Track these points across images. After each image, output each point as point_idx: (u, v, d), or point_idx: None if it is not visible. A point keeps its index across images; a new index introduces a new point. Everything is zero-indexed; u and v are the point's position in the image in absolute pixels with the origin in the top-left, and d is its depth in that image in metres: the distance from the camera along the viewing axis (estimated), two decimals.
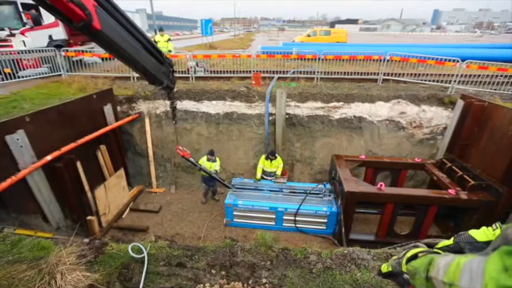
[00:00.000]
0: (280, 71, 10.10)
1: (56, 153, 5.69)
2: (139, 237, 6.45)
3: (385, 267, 1.12)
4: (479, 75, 8.13)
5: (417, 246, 2.50)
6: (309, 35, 21.35)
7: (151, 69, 3.72)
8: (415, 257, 0.96)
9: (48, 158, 5.49)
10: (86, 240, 2.85)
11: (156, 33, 10.60)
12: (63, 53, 9.26)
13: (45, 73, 9.12)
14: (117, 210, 7.12)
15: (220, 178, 7.08)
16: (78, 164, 6.28)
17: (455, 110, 7.31)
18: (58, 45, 9.97)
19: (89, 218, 6.14)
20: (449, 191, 5.72)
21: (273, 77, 9.50)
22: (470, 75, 8.20)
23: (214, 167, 7.02)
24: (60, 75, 9.36)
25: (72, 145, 6.13)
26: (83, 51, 10.43)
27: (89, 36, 2.57)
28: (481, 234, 1.10)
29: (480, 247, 1.06)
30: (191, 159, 6.52)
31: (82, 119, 6.76)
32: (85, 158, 6.64)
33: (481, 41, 31.50)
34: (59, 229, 5.89)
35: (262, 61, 10.66)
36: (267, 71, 10.06)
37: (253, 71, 9.55)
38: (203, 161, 6.98)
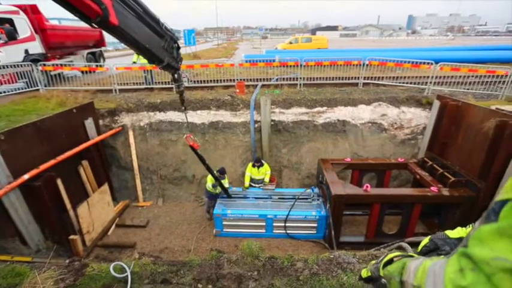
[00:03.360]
0: (263, 79, 10.21)
1: (34, 172, 5.46)
2: (126, 254, 6.23)
3: (364, 273, 1.15)
4: (452, 77, 8.54)
5: (401, 246, 2.55)
6: (291, 42, 21.80)
7: (146, 44, 3.00)
8: (391, 261, 0.98)
9: (26, 177, 5.26)
10: (66, 262, 2.72)
11: None
12: (40, 68, 9.01)
13: (22, 88, 8.84)
14: (102, 228, 6.87)
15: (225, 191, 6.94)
16: (59, 182, 6.04)
17: (432, 110, 7.60)
18: (35, 59, 9.70)
19: (71, 237, 5.88)
20: (432, 188, 5.89)
21: (256, 85, 9.59)
22: (444, 77, 8.59)
23: (224, 184, 6.84)
24: (37, 90, 9.08)
25: (51, 162, 5.90)
26: (61, 64, 10.19)
27: (107, 31, 2.40)
28: (454, 232, 1.18)
29: (452, 243, 1.13)
30: (199, 152, 6.01)
31: (62, 134, 6.55)
32: (66, 174, 6.40)
33: (453, 44, 33.15)
34: (39, 251, 5.60)
35: (245, 69, 10.76)
36: (250, 79, 10.15)
37: (237, 80, 9.61)
38: (212, 181, 6.66)
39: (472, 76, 8.33)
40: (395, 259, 0.95)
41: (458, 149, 6.47)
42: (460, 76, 8.47)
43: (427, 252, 1.15)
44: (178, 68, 3.94)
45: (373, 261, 1.11)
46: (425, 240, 1.19)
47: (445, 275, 0.54)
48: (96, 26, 2.26)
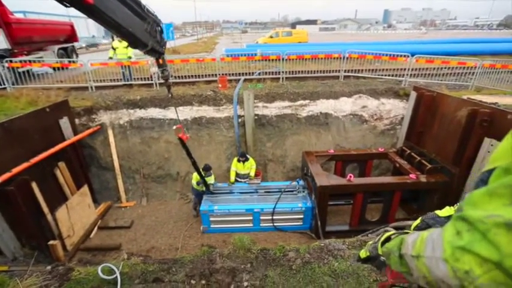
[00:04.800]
0: (246, 73, 10.15)
1: (6, 176, 5.12)
2: (111, 256, 6.04)
3: (363, 253, 1.19)
4: (427, 68, 8.93)
5: (387, 231, 2.67)
6: (271, 36, 21.76)
7: (129, 27, 2.88)
8: (388, 239, 1.03)
9: None
10: (49, 267, 2.60)
11: (113, 39, 10.04)
12: (6, 64, 8.40)
13: None
14: (83, 231, 6.60)
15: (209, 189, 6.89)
16: (34, 185, 5.71)
17: (409, 101, 7.92)
18: (0, 55, 9.03)
19: (50, 242, 5.60)
20: (411, 175, 6.18)
21: (239, 79, 9.52)
22: (420, 69, 8.96)
23: (209, 180, 6.83)
24: (4, 88, 8.48)
25: (24, 165, 5.56)
26: (30, 61, 9.55)
27: (83, 12, 2.24)
28: (443, 211, 1.27)
29: (442, 221, 1.21)
30: (187, 146, 5.80)
31: (34, 135, 6.17)
32: (42, 177, 6.06)
33: (427, 37, 34.58)
34: (16, 260, 5.30)
35: (227, 64, 10.62)
36: (232, 74, 10.05)
37: (219, 74, 9.48)
38: (197, 178, 6.59)
39: (445, 68, 8.76)
40: (392, 237, 0.99)
41: (434, 138, 6.81)
42: (434, 68, 8.89)
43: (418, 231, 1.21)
44: (163, 52, 3.86)
45: (371, 242, 1.15)
46: (416, 221, 1.26)
47: (443, 239, 0.58)
48: (68, 5, 2.11)
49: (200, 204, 6.90)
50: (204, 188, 6.78)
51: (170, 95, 5.10)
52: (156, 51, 3.63)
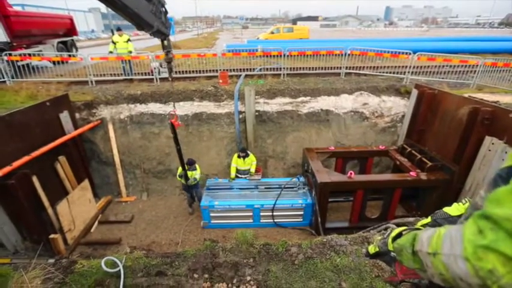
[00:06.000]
0: (247, 69, 10.11)
1: (7, 169, 5.11)
2: (112, 250, 6.07)
3: (372, 249, 1.19)
4: (428, 66, 8.90)
5: (388, 227, 2.67)
6: (272, 32, 21.62)
7: (135, 8, 2.87)
8: (399, 235, 1.02)
9: None
10: (52, 260, 2.61)
11: (113, 34, 9.97)
12: (5, 58, 8.34)
13: None
14: (84, 225, 6.62)
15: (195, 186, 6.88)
16: (35, 179, 5.71)
17: (410, 98, 7.91)
18: None
19: (52, 236, 5.63)
20: (411, 173, 6.20)
21: (240, 75, 9.48)
22: (421, 67, 8.94)
23: (194, 175, 6.73)
24: (4, 82, 8.43)
25: (25, 159, 5.55)
26: (29, 54, 9.48)
27: None
28: (453, 209, 1.23)
29: (454, 221, 1.18)
30: (176, 132, 5.69)
31: (35, 129, 6.15)
32: (42, 171, 6.05)
33: (428, 35, 34.43)
34: (17, 253, 5.33)
35: (228, 59, 10.57)
36: (233, 69, 10.00)
37: (220, 70, 9.44)
38: (181, 171, 6.56)
39: (447, 66, 8.74)
40: (404, 233, 0.98)
41: (435, 136, 6.81)
42: (436, 66, 8.87)
43: None
44: (168, 33, 3.88)
45: (379, 237, 1.15)
46: (426, 220, 1.24)
47: (464, 237, 0.56)
48: None
49: (192, 199, 6.95)
50: (190, 182, 6.67)
51: (171, 79, 5.21)
52: (161, 32, 3.59)
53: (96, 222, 6.97)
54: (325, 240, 2.55)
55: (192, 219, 7.11)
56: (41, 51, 11.07)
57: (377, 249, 1.13)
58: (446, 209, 1.22)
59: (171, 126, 5.53)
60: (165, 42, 4.17)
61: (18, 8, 14.65)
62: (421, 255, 0.74)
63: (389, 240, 1.03)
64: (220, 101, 8.38)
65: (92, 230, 6.77)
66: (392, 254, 1.01)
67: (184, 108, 8.29)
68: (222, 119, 8.41)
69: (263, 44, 15.05)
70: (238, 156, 7.26)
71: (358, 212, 6.47)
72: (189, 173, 6.63)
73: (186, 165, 6.49)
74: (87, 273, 2.28)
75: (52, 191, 6.19)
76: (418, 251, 0.76)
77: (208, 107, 8.37)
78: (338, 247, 2.44)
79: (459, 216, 1.16)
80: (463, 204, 1.18)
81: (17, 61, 8.81)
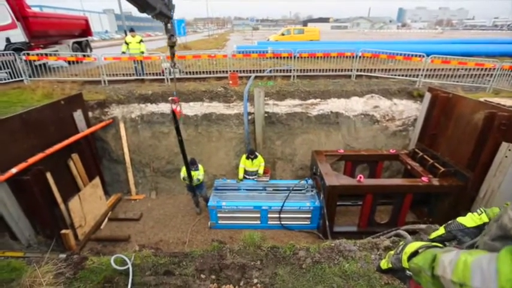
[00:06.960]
0: (256, 70, 10.12)
1: (23, 165, 5.28)
2: (121, 247, 6.17)
3: (384, 264, 1.12)
4: (442, 69, 8.69)
5: (399, 234, 2.60)
6: (283, 34, 21.58)
7: None
8: (415, 253, 0.95)
9: (14, 171, 5.08)
10: (63, 256, 2.67)
11: (126, 35, 10.16)
12: (23, 57, 8.62)
13: (4, 79, 8.47)
14: (94, 221, 6.76)
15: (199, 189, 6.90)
16: (48, 175, 5.87)
17: (423, 102, 7.74)
18: (17, 48, 9.26)
19: (63, 231, 5.76)
20: (423, 178, 6.05)
21: (249, 77, 9.49)
22: (434, 69, 8.73)
23: (196, 175, 6.68)
24: (21, 80, 8.72)
25: (40, 155, 5.72)
26: (46, 54, 9.77)
27: None
28: (469, 220, 1.17)
29: (471, 232, 1.13)
30: (178, 121, 5.56)
31: (50, 127, 6.33)
32: (56, 168, 6.22)
33: (442, 37, 33.65)
34: (30, 247, 5.48)
35: (238, 61, 10.61)
36: (243, 71, 10.03)
37: (230, 71, 9.48)
38: (184, 172, 6.51)
39: (462, 69, 8.51)
40: (420, 251, 0.92)
41: (448, 140, 6.64)
42: (450, 69, 8.64)
43: (441, 242, 1.15)
44: (171, 16, 3.83)
45: (392, 252, 1.09)
46: (439, 231, 1.19)
47: (500, 274, 0.52)
48: None
49: (197, 199, 6.99)
50: (193, 183, 6.63)
51: (173, 64, 5.16)
52: (165, 14, 3.54)
53: (106, 219, 7.11)
54: (333, 244, 2.52)
55: (199, 219, 7.15)
56: (57, 51, 11.40)
57: (390, 265, 1.07)
58: (460, 220, 1.16)
59: (173, 114, 5.37)
60: (169, 25, 4.07)
61: (36, 9, 15.16)
62: (443, 281, 0.69)
63: (404, 256, 0.96)
64: (229, 102, 8.42)
65: (102, 226, 6.90)
66: (408, 272, 0.95)
67: (194, 109, 8.37)
68: (231, 120, 8.44)
69: (274, 45, 15.03)
70: (247, 158, 7.27)
71: (367, 217, 6.37)
72: (192, 173, 6.61)
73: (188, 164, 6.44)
74: (97, 270, 2.32)
75: (64, 187, 6.35)
76: (440, 276, 0.70)
77: (217, 107, 8.42)
78: (347, 252, 2.40)
79: (475, 228, 1.11)
80: (479, 215, 1.12)
81: (34, 61, 9.10)
